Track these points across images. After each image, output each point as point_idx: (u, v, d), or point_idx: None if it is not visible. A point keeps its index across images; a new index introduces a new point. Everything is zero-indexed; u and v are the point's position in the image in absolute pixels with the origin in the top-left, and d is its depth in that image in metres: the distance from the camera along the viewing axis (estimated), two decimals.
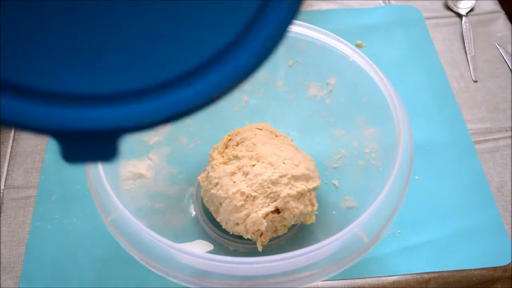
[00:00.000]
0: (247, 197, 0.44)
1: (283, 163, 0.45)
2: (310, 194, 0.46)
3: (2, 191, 0.54)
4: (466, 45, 0.66)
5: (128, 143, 0.47)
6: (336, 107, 0.53)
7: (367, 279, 0.48)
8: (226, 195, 0.44)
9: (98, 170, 0.39)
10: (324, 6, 0.72)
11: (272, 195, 0.44)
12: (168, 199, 0.51)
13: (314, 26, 0.48)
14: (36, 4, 0.19)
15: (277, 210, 0.44)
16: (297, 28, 0.48)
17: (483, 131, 0.58)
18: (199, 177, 0.49)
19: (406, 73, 0.64)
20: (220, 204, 0.45)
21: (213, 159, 0.48)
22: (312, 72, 0.53)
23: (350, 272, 0.47)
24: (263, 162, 0.45)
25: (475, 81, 0.63)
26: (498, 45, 0.67)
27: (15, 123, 0.19)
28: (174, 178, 0.52)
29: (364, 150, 0.50)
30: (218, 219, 0.46)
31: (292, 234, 0.49)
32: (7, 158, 0.57)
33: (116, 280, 0.47)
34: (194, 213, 0.51)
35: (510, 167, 0.55)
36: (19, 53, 0.19)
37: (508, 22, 0.70)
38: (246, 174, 0.45)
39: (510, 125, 0.59)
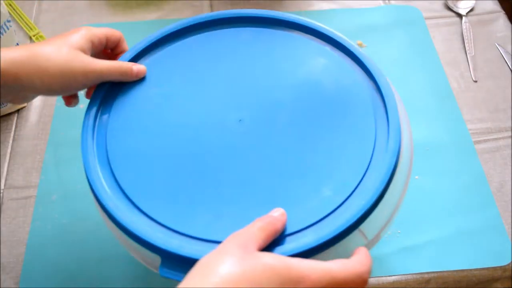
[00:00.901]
0: None
1: None
2: None
3: (2, 191, 0.54)
4: (466, 45, 0.66)
5: None
6: None
7: None
8: None
9: None
10: (324, 6, 0.72)
11: None
12: None
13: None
14: None
15: None
16: None
17: (483, 131, 0.58)
18: None
19: (406, 73, 0.64)
20: None
21: None
22: None
23: None
24: None
25: (475, 81, 0.63)
26: (498, 45, 0.67)
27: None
28: None
29: None
30: None
31: None
32: (7, 158, 0.57)
33: (116, 280, 0.47)
34: None
35: (510, 167, 0.55)
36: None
37: (508, 22, 0.70)
38: None
39: (510, 125, 0.59)
